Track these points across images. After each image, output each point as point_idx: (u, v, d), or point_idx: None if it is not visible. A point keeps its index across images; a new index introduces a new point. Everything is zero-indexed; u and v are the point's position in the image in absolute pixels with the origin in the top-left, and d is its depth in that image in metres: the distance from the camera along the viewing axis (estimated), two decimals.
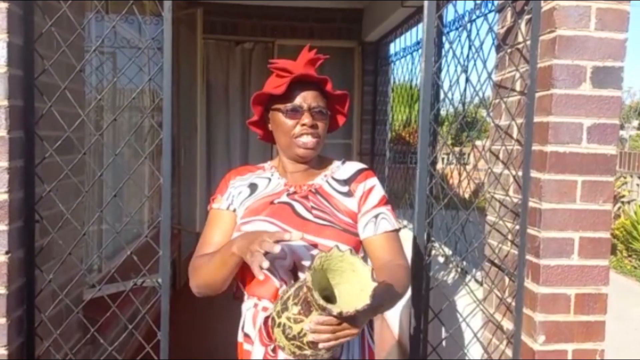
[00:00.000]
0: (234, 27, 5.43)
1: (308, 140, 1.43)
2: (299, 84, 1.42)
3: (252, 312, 1.43)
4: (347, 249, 1.22)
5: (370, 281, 1.15)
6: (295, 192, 1.47)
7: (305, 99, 1.43)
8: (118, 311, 1.86)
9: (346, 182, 1.50)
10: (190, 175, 4.97)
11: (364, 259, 1.47)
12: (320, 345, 1.17)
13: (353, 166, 1.54)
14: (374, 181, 1.51)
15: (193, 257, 1.47)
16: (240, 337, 1.46)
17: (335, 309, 1.10)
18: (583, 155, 1.83)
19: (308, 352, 1.20)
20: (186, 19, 4.76)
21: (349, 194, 1.48)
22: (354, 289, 1.18)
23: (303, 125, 1.42)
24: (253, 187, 1.50)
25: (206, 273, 1.39)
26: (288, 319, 1.19)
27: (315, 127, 1.43)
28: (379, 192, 1.50)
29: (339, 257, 1.20)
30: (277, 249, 1.18)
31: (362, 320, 1.19)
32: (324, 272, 1.21)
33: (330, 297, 1.22)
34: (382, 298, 1.25)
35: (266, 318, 1.37)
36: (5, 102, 1.61)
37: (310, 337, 1.16)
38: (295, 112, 1.42)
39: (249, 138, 5.80)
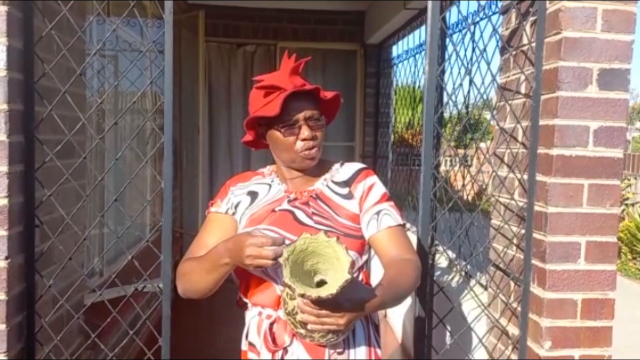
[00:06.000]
0: (236, 29, 5.42)
1: (311, 152, 1.41)
2: (290, 95, 1.36)
3: (256, 320, 1.41)
4: (335, 237, 1.23)
5: (345, 273, 1.15)
6: (296, 199, 1.46)
7: (299, 111, 1.39)
8: (119, 316, 1.85)
9: (346, 183, 1.49)
10: (193, 177, 4.96)
11: (369, 259, 1.46)
12: (308, 327, 1.21)
13: (352, 167, 1.53)
14: (373, 179, 1.50)
15: (183, 258, 1.44)
16: (244, 346, 1.45)
17: (299, 289, 1.13)
18: (589, 159, 1.81)
19: (302, 331, 1.26)
20: (188, 22, 4.75)
21: (349, 196, 1.47)
22: (336, 277, 1.19)
23: (304, 140, 1.40)
24: (253, 195, 1.49)
25: (195, 279, 1.36)
26: (287, 294, 1.25)
27: (315, 137, 1.41)
28: (379, 189, 1.48)
29: (325, 242, 1.22)
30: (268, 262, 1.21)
31: (348, 310, 1.17)
32: (317, 256, 1.23)
33: (324, 284, 1.25)
34: (377, 294, 1.22)
35: (271, 323, 1.36)
36: (5, 106, 1.59)
37: (299, 316, 1.21)
38: (293, 128, 1.39)
39: None
